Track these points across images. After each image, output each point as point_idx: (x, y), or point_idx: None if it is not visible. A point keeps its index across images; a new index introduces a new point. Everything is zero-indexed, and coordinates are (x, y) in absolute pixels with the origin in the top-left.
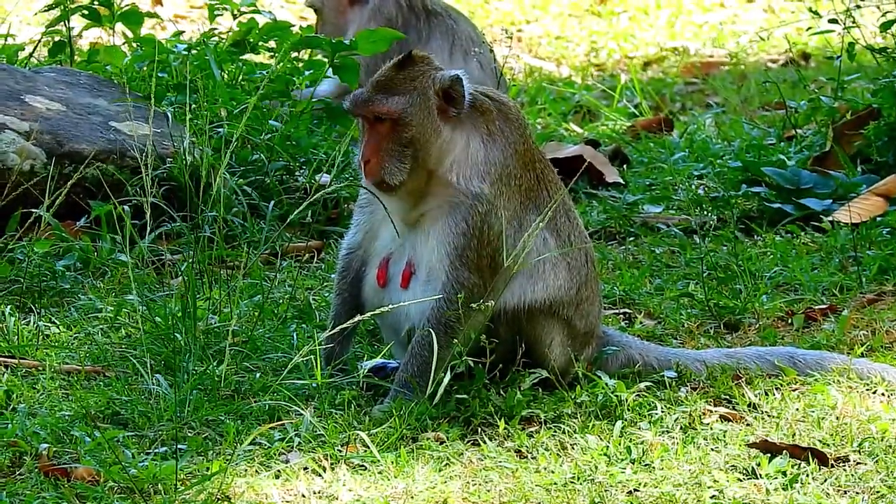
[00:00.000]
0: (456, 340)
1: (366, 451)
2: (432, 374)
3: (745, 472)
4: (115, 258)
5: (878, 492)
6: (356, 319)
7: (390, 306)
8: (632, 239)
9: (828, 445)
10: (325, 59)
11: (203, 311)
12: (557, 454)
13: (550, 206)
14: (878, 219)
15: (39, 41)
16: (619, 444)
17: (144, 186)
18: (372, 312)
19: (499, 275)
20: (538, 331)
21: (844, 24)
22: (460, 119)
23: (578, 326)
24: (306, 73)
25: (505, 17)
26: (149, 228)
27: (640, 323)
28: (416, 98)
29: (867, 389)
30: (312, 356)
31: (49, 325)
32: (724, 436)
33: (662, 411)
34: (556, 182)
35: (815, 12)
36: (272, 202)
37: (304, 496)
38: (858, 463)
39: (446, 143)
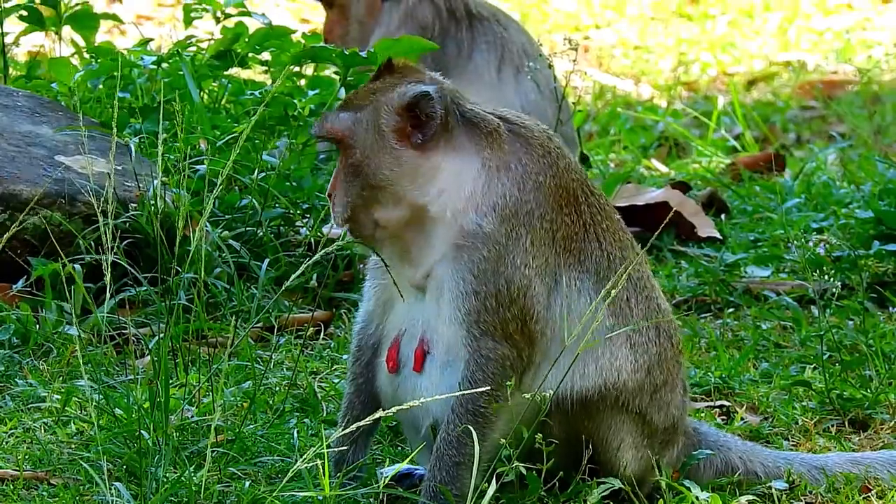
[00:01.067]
0: (497, 437)
1: None
2: (472, 481)
3: None
4: (63, 332)
5: None
6: (375, 416)
7: (415, 401)
8: (731, 311)
9: None
10: (336, 77)
11: (177, 401)
12: None
13: (623, 271)
14: None
15: None
16: None
17: (102, 240)
18: (397, 408)
19: (536, 346)
20: (600, 428)
21: None
22: (450, 143)
23: (655, 421)
24: (311, 93)
25: (568, 21)
26: (108, 294)
27: (742, 419)
28: (365, 115)
29: None
30: (319, 460)
31: None
32: None
33: None
34: (616, 232)
35: None
36: (266, 261)
37: None
38: None
39: (424, 170)
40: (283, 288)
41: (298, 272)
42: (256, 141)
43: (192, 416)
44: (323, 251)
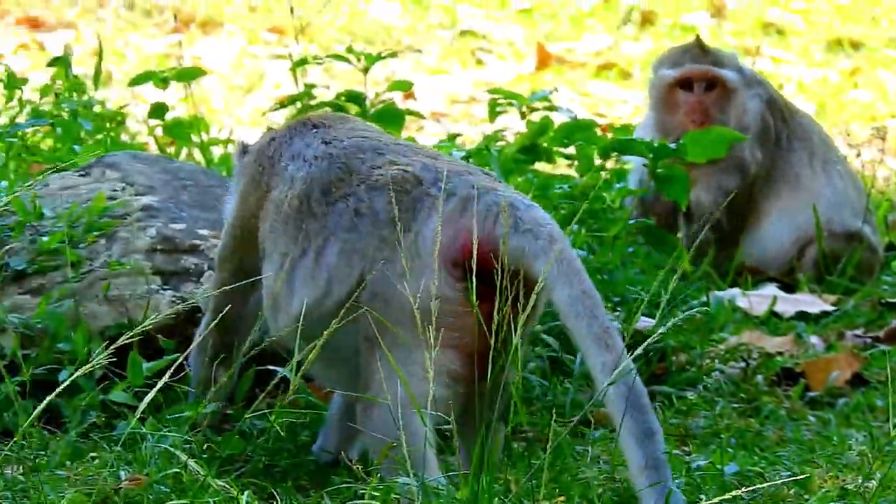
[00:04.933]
0: None
1: None
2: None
3: None
4: None
5: None
6: None
7: None
8: None
9: None
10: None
11: (498, 497)
12: None
13: None
14: None
15: None
16: None
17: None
18: None
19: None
20: None
21: None
22: None
23: None
24: (617, 185)
25: (864, 111)
26: (431, 389)
27: None
28: None
29: None
30: None
31: None
32: None
33: None
34: None
35: None
36: (579, 355)
37: None
38: None
39: None
40: (607, 384)
41: (620, 368)
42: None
43: None
44: (645, 346)
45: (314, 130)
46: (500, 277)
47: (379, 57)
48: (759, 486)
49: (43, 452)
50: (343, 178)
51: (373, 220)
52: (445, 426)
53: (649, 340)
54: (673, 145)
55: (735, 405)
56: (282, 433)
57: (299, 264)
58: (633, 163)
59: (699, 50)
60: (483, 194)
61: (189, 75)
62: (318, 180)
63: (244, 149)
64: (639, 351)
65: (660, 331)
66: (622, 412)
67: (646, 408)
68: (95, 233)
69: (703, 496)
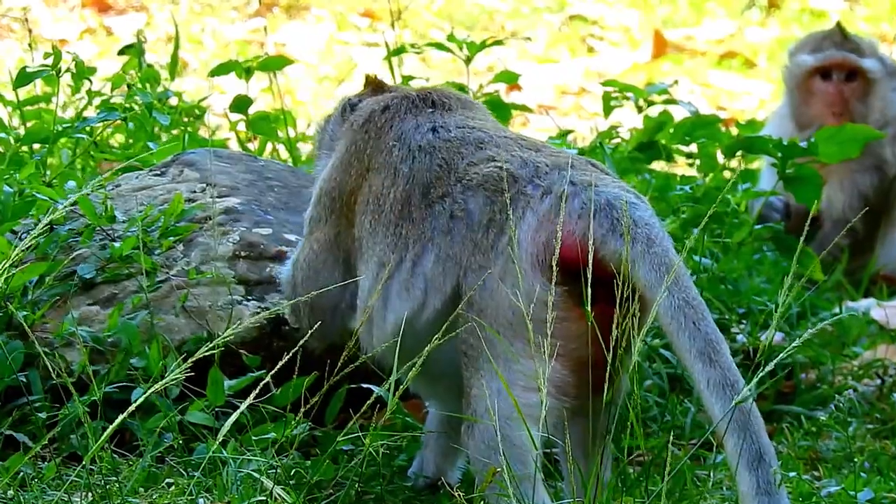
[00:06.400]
0: None
1: None
2: None
3: None
4: None
5: None
6: None
7: None
8: None
9: None
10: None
11: None
12: None
13: None
14: None
15: None
16: None
17: None
18: None
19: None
20: None
21: None
22: None
23: None
24: (742, 187)
25: None
26: (544, 411)
27: None
28: None
29: None
30: None
31: None
32: None
33: None
34: None
35: None
36: None
37: None
38: None
39: None
40: (730, 408)
41: (751, 383)
42: (686, 240)
43: None
44: (774, 361)
45: (430, 110)
46: (619, 289)
47: (483, 45)
48: None
49: (114, 478)
50: (441, 176)
51: (467, 224)
52: (553, 449)
53: (780, 356)
54: (804, 143)
55: (869, 426)
56: (376, 457)
57: (395, 274)
58: (764, 160)
59: (840, 36)
60: (581, 192)
61: (274, 65)
62: (419, 179)
63: (351, 106)
64: (769, 367)
65: (791, 345)
66: (734, 435)
67: (757, 429)
68: (172, 238)
69: None
